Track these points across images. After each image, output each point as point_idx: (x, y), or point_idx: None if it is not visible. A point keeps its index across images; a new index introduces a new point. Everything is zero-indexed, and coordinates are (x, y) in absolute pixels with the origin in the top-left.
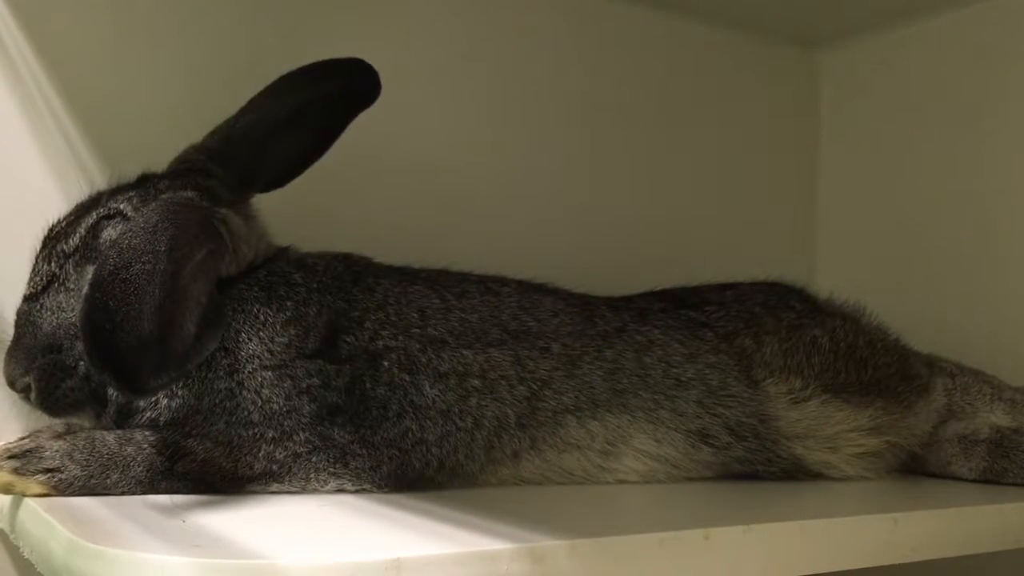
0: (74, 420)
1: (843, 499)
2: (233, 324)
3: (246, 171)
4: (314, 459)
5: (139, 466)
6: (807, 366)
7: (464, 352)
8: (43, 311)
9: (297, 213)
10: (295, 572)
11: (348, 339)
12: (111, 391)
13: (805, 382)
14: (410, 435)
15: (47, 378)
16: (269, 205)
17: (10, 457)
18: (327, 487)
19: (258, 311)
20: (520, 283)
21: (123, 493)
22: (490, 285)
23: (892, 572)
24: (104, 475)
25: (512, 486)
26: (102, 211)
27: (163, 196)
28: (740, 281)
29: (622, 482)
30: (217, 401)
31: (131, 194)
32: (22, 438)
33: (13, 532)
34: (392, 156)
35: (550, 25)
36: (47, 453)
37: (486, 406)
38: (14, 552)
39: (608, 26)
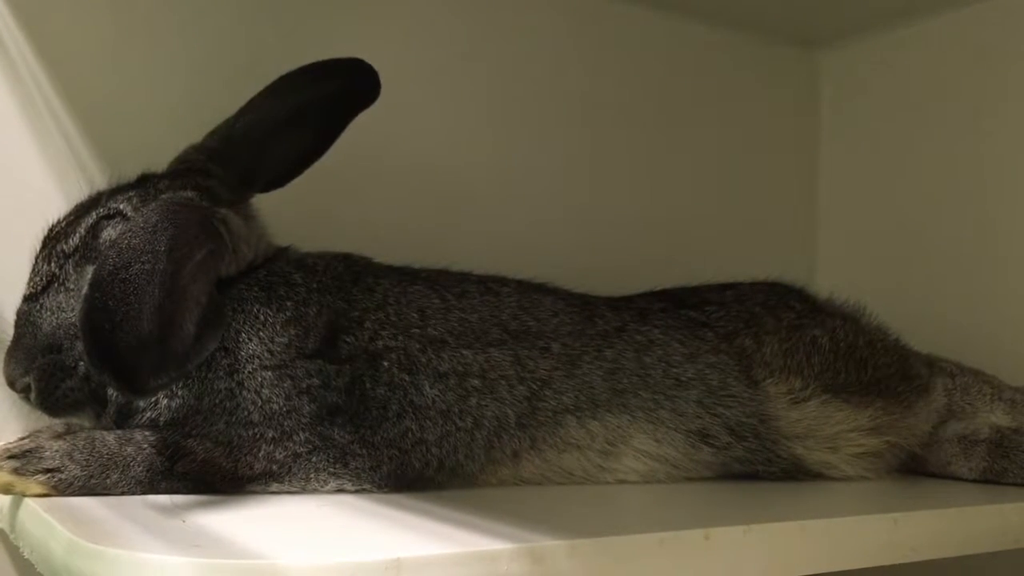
0: (74, 420)
1: (843, 499)
2: (233, 324)
3: (246, 171)
4: (314, 459)
5: (139, 466)
6: (807, 366)
7: (464, 352)
8: (43, 311)
9: (297, 213)
10: (295, 572)
11: (348, 339)
12: (111, 391)
13: (805, 382)
14: (410, 435)
15: (47, 378)
16: (269, 205)
17: (10, 457)
18: (327, 487)
19: (258, 311)
20: (520, 283)
21: (123, 493)
22: (490, 285)
23: (892, 572)
24: (104, 475)
25: (512, 486)
26: (102, 211)
27: (163, 196)
28: (740, 281)
29: (622, 482)
30: (217, 401)
31: (131, 194)
32: (22, 438)
33: (13, 532)
34: (392, 156)
35: (550, 25)
36: (47, 453)
37: (486, 406)
38: (14, 552)
39: (608, 26)
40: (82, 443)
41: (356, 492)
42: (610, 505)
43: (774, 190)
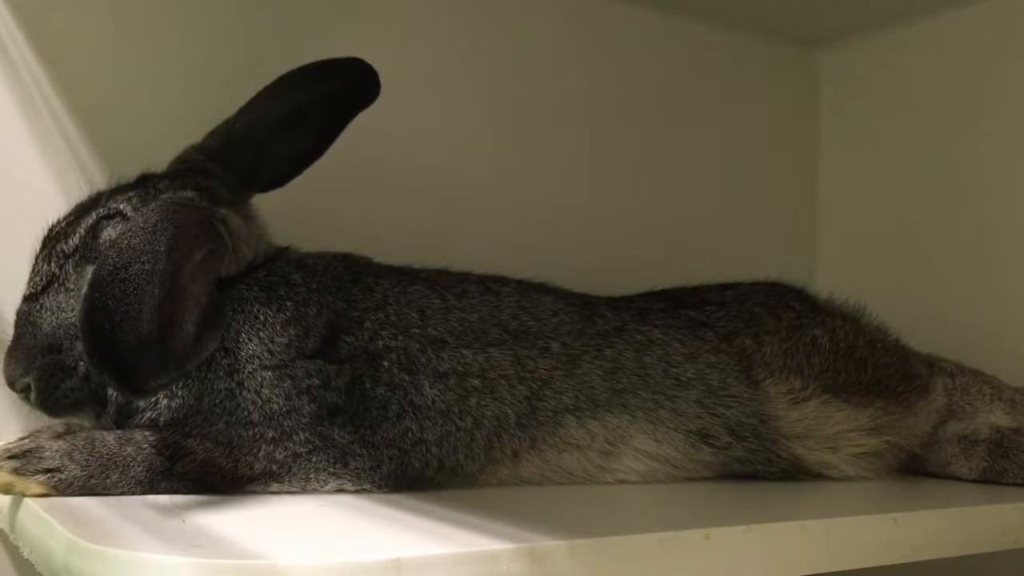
0: (74, 420)
1: (843, 499)
2: (233, 324)
3: (246, 171)
4: (314, 459)
5: (139, 466)
6: (807, 366)
7: (464, 352)
8: (43, 311)
9: (297, 213)
10: (295, 572)
11: (348, 339)
12: (111, 391)
13: (805, 382)
14: (410, 435)
15: (47, 378)
16: (269, 205)
17: (10, 457)
18: (327, 487)
19: (258, 311)
20: (520, 283)
21: (123, 493)
22: (490, 285)
23: (892, 572)
24: (104, 475)
25: (512, 486)
26: (102, 211)
27: (163, 196)
28: (740, 281)
29: (622, 482)
30: (217, 401)
31: (131, 194)
32: (22, 438)
33: (13, 532)
34: (392, 156)
35: (550, 25)
36: (47, 453)
37: (486, 406)
38: (14, 552)
39: (608, 26)
40: (82, 443)
41: (356, 492)
42: (610, 505)
43: (774, 190)
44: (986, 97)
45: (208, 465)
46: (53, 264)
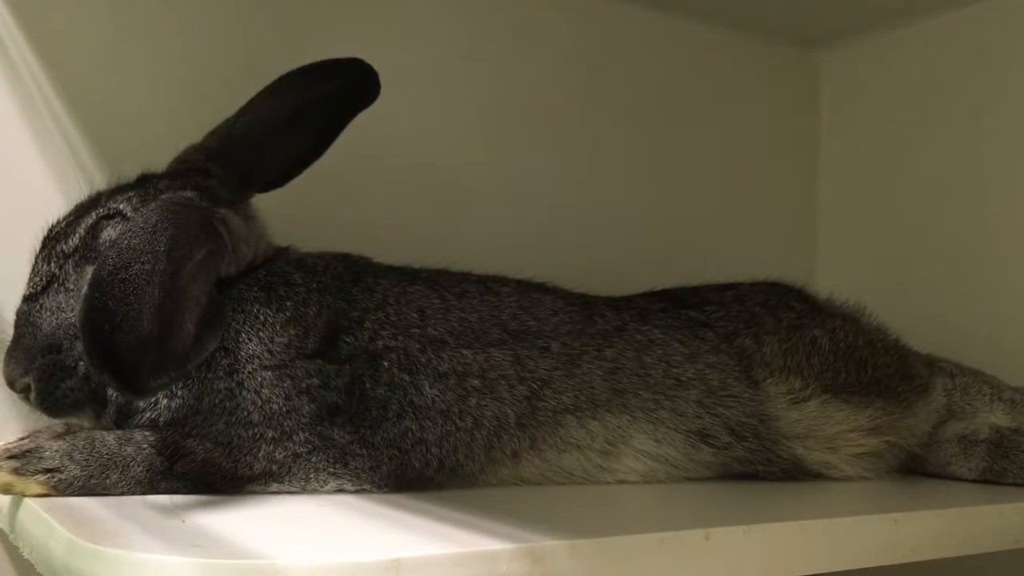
0: (74, 420)
1: (843, 499)
2: (233, 324)
3: (246, 171)
4: (314, 459)
5: (139, 466)
6: (807, 366)
7: (464, 352)
8: (43, 311)
9: (297, 213)
10: (295, 572)
11: (348, 339)
12: (111, 391)
13: (805, 382)
14: (410, 435)
15: (47, 378)
16: (269, 205)
17: (10, 457)
18: (327, 487)
19: (258, 311)
20: (520, 283)
21: (123, 493)
22: (490, 285)
23: (892, 572)
24: (104, 475)
25: (512, 486)
26: (102, 211)
27: (163, 196)
28: (740, 281)
29: (622, 482)
30: (217, 401)
31: (131, 194)
32: (22, 438)
33: (13, 532)
34: (392, 156)
35: (550, 25)
36: (47, 453)
37: (486, 406)
38: (14, 552)
39: (608, 26)
40: (82, 443)
41: (356, 492)
42: (610, 505)
43: (774, 190)
44: (986, 97)
45: (208, 465)
46: (53, 264)
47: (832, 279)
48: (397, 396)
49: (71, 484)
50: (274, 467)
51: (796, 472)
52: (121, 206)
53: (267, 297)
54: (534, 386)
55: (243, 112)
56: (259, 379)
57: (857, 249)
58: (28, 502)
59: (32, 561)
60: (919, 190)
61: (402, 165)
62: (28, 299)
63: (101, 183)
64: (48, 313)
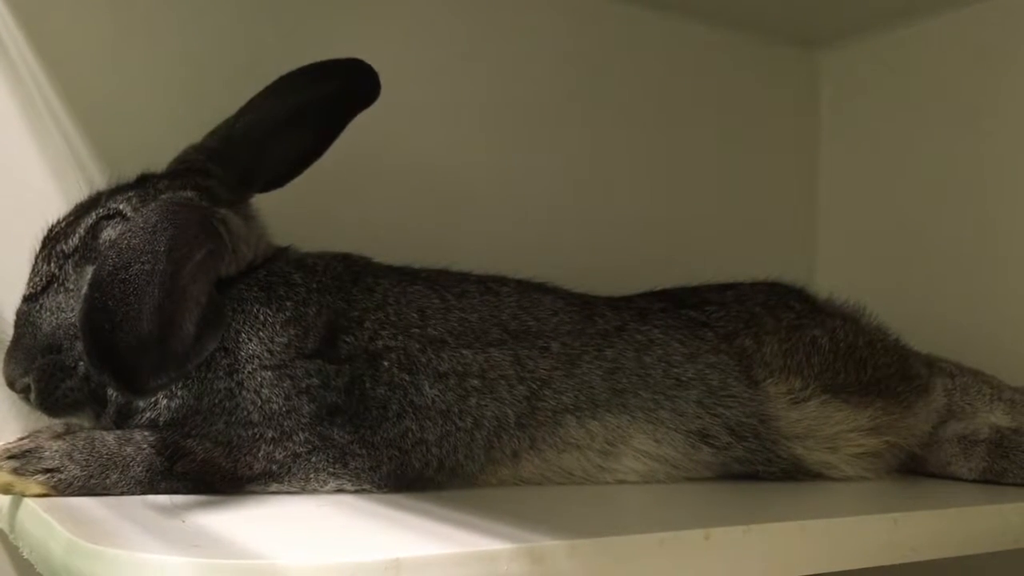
0: (74, 420)
1: (843, 499)
2: (233, 324)
3: (246, 171)
4: (313, 459)
5: (138, 466)
6: (807, 366)
7: (464, 352)
8: (42, 311)
9: (297, 213)
10: (295, 572)
11: (348, 339)
12: (111, 391)
13: (805, 382)
14: (410, 435)
15: (47, 378)
16: (269, 205)
17: (9, 457)
18: (326, 487)
19: (258, 311)
20: (520, 282)
21: (122, 493)
22: (490, 285)
23: (892, 572)
24: (103, 475)
25: (512, 486)
26: (101, 211)
27: (162, 196)
28: (740, 281)
29: (622, 482)
30: (216, 401)
31: (130, 194)
32: (22, 438)
33: (12, 532)
34: (392, 156)
35: (550, 25)
36: (47, 453)
37: (486, 406)
38: (14, 552)
39: (608, 26)
40: (82, 443)
41: (356, 492)
42: (610, 505)
43: (774, 190)
44: (986, 97)
45: (208, 465)
46: (53, 264)
47: (832, 279)
48: (397, 396)
49: (71, 484)
50: (274, 467)
51: (796, 472)
52: (121, 206)
53: (267, 297)
54: (534, 386)
55: (243, 112)
56: (259, 379)
57: (857, 249)
58: (28, 502)
59: (32, 561)
60: (919, 190)
61: (402, 165)
62: (28, 299)
63: (101, 183)
64: (48, 313)
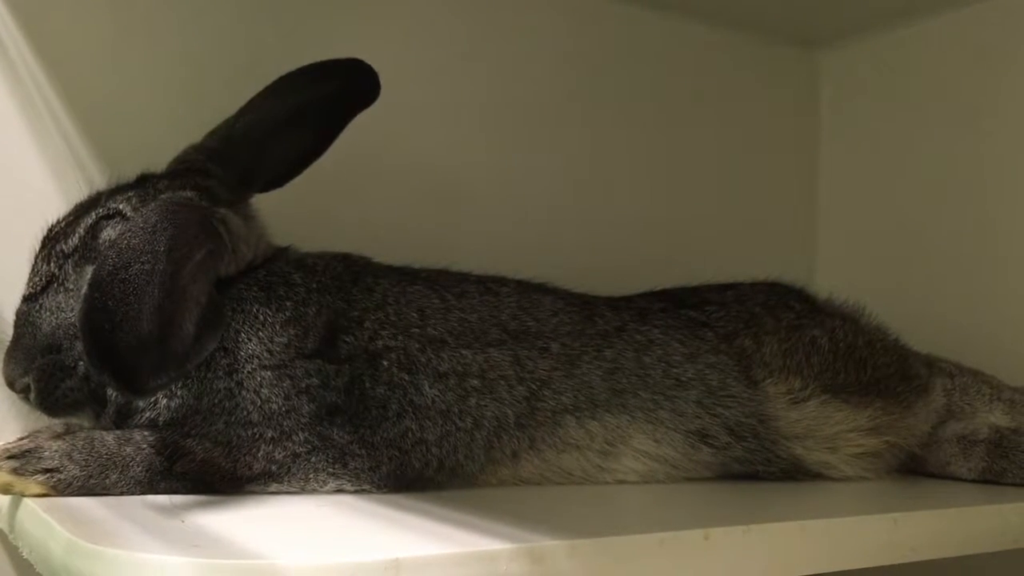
0: (73, 420)
1: (843, 499)
2: (232, 324)
3: (245, 171)
4: (313, 459)
5: (138, 466)
6: (806, 366)
7: (463, 352)
8: (42, 311)
9: (297, 213)
10: (295, 572)
11: (347, 339)
12: (110, 391)
13: (804, 382)
14: (410, 435)
15: (46, 378)
16: (269, 205)
17: (9, 457)
18: (326, 487)
19: (257, 311)
20: (519, 283)
21: (122, 493)
22: (490, 285)
23: (892, 572)
24: (103, 475)
25: (512, 486)
26: (101, 211)
27: (162, 196)
28: (740, 281)
29: (621, 482)
30: (216, 401)
31: (130, 194)
32: (21, 438)
33: (12, 532)
34: (392, 156)
35: (550, 25)
36: (46, 453)
37: (485, 406)
38: (13, 552)
39: (608, 26)
40: (81, 443)
41: (355, 492)
42: (610, 505)
43: (774, 190)
44: (986, 97)
45: (207, 465)
46: (52, 264)
47: (832, 279)
48: (397, 396)
49: (70, 484)
50: (273, 467)
51: (796, 472)
52: (121, 206)
53: (267, 297)
54: (533, 386)
55: (243, 112)
56: (258, 379)
57: (857, 249)
58: (27, 502)
59: (32, 561)
60: (919, 190)
61: (402, 165)
62: (28, 299)
63: (101, 183)
64: (48, 313)
